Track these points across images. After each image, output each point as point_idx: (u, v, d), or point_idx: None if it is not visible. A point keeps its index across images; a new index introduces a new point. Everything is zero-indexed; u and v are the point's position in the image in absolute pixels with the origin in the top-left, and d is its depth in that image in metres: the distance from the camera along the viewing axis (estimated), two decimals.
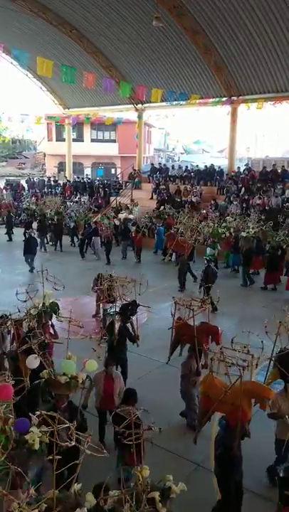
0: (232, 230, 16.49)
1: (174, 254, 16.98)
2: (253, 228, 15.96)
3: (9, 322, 6.87)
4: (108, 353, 7.51)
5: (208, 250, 15.58)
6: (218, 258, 15.56)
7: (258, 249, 15.24)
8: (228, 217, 18.16)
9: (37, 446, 3.69)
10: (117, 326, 7.77)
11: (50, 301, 7.78)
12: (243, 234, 15.58)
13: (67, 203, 24.21)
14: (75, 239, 20.44)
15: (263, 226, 16.40)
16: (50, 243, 20.29)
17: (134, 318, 8.31)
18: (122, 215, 19.85)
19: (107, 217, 19.90)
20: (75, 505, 3.32)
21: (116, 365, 6.91)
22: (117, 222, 19.56)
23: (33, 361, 5.65)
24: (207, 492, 5.59)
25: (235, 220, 17.52)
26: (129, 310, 8.19)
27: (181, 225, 15.94)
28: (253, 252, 15.04)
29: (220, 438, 5.04)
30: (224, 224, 17.22)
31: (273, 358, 6.43)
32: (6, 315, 7.19)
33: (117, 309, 8.38)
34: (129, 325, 8.13)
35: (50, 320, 7.80)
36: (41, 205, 23.16)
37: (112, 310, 8.68)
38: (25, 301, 7.53)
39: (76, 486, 3.44)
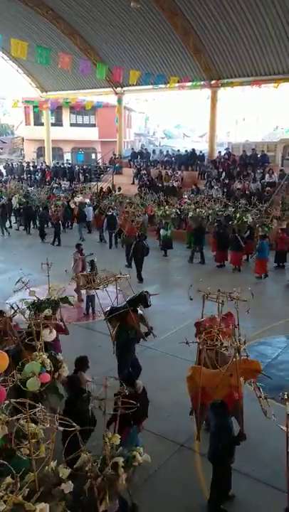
0: (190, 212, 17.02)
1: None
2: (205, 209, 16.88)
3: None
4: (124, 353, 7.22)
5: (162, 231, 16.27)
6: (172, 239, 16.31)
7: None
8: (187, 200, 18.88)
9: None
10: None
11: (56, 294, 7.47)
12: (190, 214, 16.50)
13: (28, 188, 24.32)
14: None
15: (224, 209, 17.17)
16: (16, 227, 20.93)
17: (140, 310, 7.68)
18: (77, 199, 20.39)
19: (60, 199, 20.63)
20: (57, 482, 3.45)
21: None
22: (72, 206, 20.08)
23: (47, 334, 5.72)
24: (191, 471, 5.79)
25: (196, 202, 18.09)
26: (142, 301, 7.60)
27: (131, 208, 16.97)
28: (203, 230, 15.74)
29: (222, 426, 4.95)
30: (183, 207, 17.96)
31: None
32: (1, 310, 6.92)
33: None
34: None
35: (54, 314, 7.40)
36: (8, 189, 23.28)
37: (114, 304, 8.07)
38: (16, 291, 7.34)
39: (52, 464, 3.56)
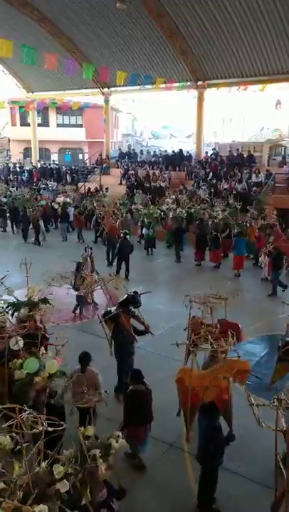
0: (170, 212, 17.26)
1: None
2: (184, 209, 17.27)
3: None
4: (122, 354, 7.15)
5: (144, 230, 16.58)
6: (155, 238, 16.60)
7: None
8: (167, 199, 19.09)
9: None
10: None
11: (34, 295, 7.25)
12: (171, 214, 16.90)
13: (10, 189, 24.13)
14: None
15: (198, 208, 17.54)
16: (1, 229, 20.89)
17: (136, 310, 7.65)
18: (60, 199, 20.40)
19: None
20: (51, 481, 3.43)
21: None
22: (56, 206, 20.08)
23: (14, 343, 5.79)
24: (181, 470, 5.81)
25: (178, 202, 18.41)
26: (132, 302, 7.53)
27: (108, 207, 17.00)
28: (182, 230, 16.29)
29: (212, 427, 4.95)
30: (165, 206, 18.13)
31: (279, 353, 6.19)
32: None
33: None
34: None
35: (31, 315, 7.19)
36: None
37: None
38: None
39: (43, 463, 3.56)
